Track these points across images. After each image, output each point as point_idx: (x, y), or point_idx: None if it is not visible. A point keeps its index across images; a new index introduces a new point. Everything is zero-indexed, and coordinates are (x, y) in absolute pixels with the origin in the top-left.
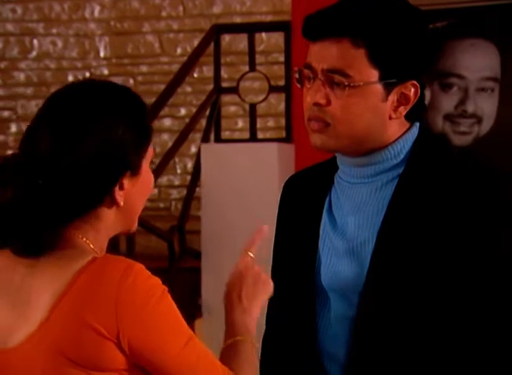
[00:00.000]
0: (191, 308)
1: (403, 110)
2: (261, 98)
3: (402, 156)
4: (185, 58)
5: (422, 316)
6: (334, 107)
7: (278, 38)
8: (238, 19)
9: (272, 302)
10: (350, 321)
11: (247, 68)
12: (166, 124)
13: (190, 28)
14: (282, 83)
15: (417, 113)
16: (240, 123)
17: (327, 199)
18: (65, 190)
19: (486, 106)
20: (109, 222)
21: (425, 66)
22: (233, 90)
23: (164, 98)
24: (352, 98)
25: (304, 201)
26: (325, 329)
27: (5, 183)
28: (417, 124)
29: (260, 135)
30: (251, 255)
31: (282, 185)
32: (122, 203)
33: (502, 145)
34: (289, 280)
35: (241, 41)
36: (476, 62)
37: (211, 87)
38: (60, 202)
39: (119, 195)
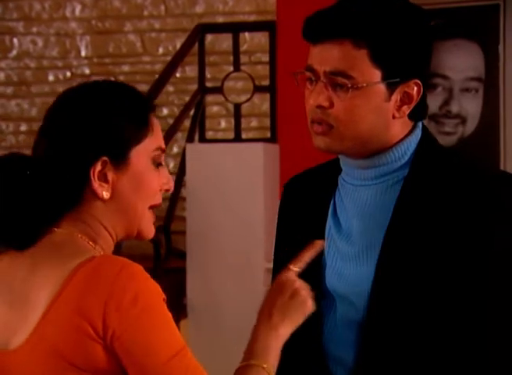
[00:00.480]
0: (176, 308)
1: (406, 109)
2: (244, 97)
3: (406, 158)
4: (167, 57)
5: (431, 319)
6: (337, 109)
7: (261, 38)
8: (221, 19)
9: None
10: (357, 325)
11: (229, 68)
12: None
13: (172, 27)
14: (265, 82)
15: (420, 112)
16: (223, 123)
17: (331, 202)
18: (47, 179)
19: (470, 106)
20: (101, 217)
21: (427, 64)
22: (218, 90)
23: (149, 97)
24: (355, 100)
25: (307, 204)
26: (331, 332)
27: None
28: (420, 124)
29: (243, 135)
30: (296, 269)
31: (283, 186)
32: (105, 196)
33: (486, 145)
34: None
35: (223, 41)
36: (460, 62)
37: (193, 86)
38: (43, 192)
39: (101, 187)
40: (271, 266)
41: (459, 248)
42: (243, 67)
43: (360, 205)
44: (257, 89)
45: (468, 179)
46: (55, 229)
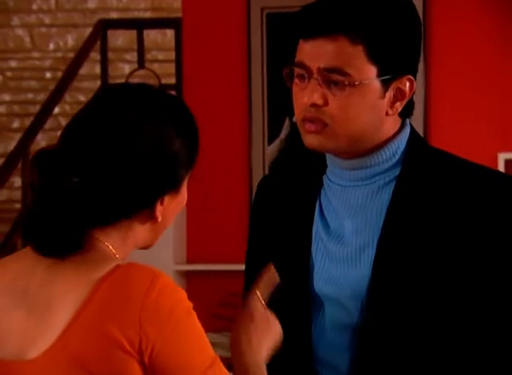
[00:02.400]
0: None
1: (399, 106)
2: None
3: (397, 157)
4: (58, 53)
5: (429, 320)
6: (332, 107)
7: (156, 35)
8: (114, 15)
9: None
10: (349, 328)
11: (124, 65)
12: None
13: (62, 23)
14: (168, 81)
15: (408, 108)
16: None
17: (317, 202)
18: (104, 193)
19: None
20: (140, 235)
21: (418, 59)
22: None
23: (55, 96)
24: (351, 97)
25: (288, 205)
26: (319, 336)
27: (45, 177)
28: (408, 121)
29: None
30: (259, 295)
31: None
32: (160, 219)
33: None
34: (278, 287)
35: (118, 38)
36: None
37: (88, 84)
38: (95, 205)
39: (159, 211)
40: (179, 268)
41: (457, 247)
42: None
43: (351, 206)
44: (163, 87)
45: (462, 177)
46: (88, 233)
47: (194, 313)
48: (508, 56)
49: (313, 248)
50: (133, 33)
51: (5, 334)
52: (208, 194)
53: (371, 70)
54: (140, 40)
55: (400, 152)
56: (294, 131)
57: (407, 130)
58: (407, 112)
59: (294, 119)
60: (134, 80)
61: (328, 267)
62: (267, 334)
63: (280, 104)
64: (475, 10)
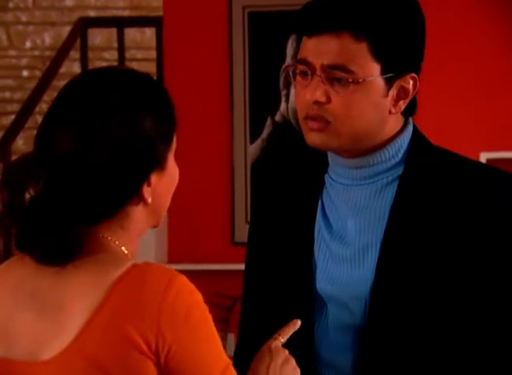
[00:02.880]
0: None
1: (402, 104)
2: None
3: (400, 155)
4: (35, 52)
5: (432, 322)
6: (335, 104)
7: (135, 34)
8: (92, 14)
9: (254, 309)
10: (352, 329)
11: (102, 63)
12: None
13: (40, 21)
14: None
15: (411, 107)
16: None
17: (319, 201)
18: (91, 188)
19: None
20: (138, 221)
21: (422, 57)
22: None
23: (36, 95)
24: (354, 95)
25: (290, 203)
26: (322, 336)
27: (24, 184)
28: (411, 120)
29: None
30: (282, 340)
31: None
32: (150, 200)
33: None
34: (280, 286)
35: (96, 36)
36: None
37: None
38: (85, 202)
39: (147, 192)
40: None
41: (463, 246)
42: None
43: (354, 206)
44: None
45: (465, 176)
46: (89, 233)
47: (210, 316)
48: (495, 56)
49: (315, 248)
50: (112, 31)
51: (14, 335)
52: (189, 194)
53: (375, 68)
54: (121, 38)
55: (402, 151)
56: (276, 130)
57: (410, 128)
58: (409, 111)
59: (278, 119)
60: None
61: (331, 267)
62: (285, 373)
63: (262, 103)
64: (465, 6)
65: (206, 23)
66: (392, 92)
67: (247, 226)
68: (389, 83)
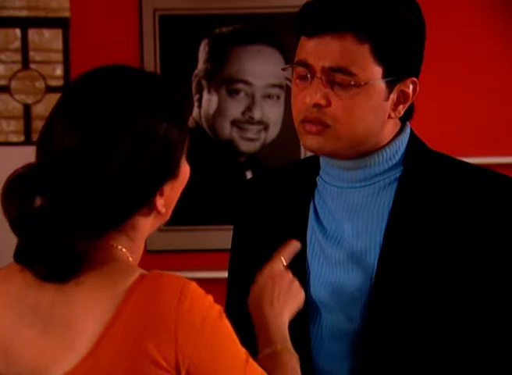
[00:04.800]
0: None
1: (401, 109)
2: (33, 98)
3: (397, 158)
4: None
5: (433, 326)
6: (335, 108)
7: (33, 35)
8: None
9: (245, 321)
10: (350, 335)
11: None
12: None
13: None
14: (56, 83)
15: (409, 111)
16: (11, 126)
17: (311, 204)
18: (102, 200)
19: (273, 113)
20: (146, 228)
21: (422, 61)
22: (5, 89)
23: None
24: (355, 99)
25: (280, 207)
26: (318, 344)
27: (31, 194)
28: (408, 123)
29: (36, 138)
30: (284, 261)
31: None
32: (162, 210)
33: (287, 151)
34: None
35: None
36: (262, 68)
37: None
38: (94, 214)
39: (160, 202)
40: None
41: (464, 249)
42: (14, 66)
43: (350, 208)
44: (50, 90)
45: (464, 180)
46: (97, 243)
47: (224, 315)
48: (493, 59)
49: (308, 252)
50: (8, 32)
51: (15, 352)
52: None
53: (377, 71)
54: (24, 39)
55: (400, 154)
56: (189, 136)
57: (407, 131)
58: (407, 115)
59: (191, 124)
60: (18, 81)
61: (326, 271)
62: (289, 298)
63: None
64: (463, 8)
65: (116, 25)
66: (393, 96)
67: (160, 234)
68: (391, 86)
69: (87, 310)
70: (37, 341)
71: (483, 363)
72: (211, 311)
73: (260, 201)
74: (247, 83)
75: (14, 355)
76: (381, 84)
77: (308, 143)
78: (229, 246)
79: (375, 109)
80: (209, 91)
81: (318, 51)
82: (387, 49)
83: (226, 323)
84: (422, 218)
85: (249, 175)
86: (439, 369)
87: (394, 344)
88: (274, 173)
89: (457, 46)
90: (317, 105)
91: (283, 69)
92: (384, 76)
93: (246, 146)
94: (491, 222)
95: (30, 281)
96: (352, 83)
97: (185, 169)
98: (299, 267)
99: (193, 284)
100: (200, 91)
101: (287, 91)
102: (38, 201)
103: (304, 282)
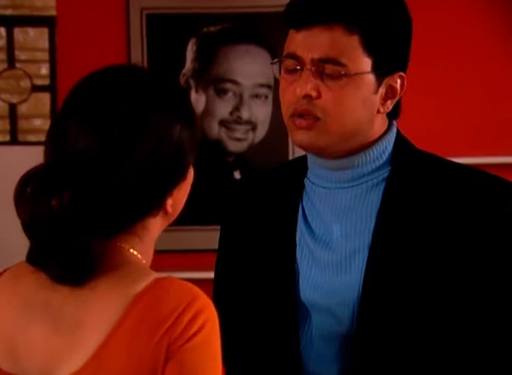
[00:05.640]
0: None
1: (390, 104)
2: (18, 97)
3: (384, 158)
4: None
5: (423, 327)
6: (325, 99)
7: (17, 34)
8: None
9: (233, 322)
10: (339, 338)
11: None
12: None
13: None
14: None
15: (395, 109)
16: None
17: (300, 206)
18: (115, 203)
19: (260, 113)
20: (155, 229)
21: (408, 56)
22: None
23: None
24: (345, 90)
25: (268, 210)
26: (308, 347)
27: (45, 194)
28: (395, 123)
29: (22, 138)
30: None
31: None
32: (170, 210)
33: (275, 151)
34: (261, 295)
35: None
36: (250, 68)
37: None
38: (107, 216)
39: (169, 203)
40: None
41: (453, 249)
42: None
43: (338, 210)
44: (36, 89)
45: (451, 179)
46: (108, 245)
47: (219, 343)
48: (488, 56)
49: (297, 255)
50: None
51: (24, 350)
52: None
53: (366, 62)
54: (10, 38)
55: (387, 153)
56: None
57: (394, 130)
58: (394, 113)
59: None
60: (3, 80)
61: (315, 274)
62: None
63: None
64: (460, 9)
65: (103, 24)
66: (382, 90)
67: None
68: (379, 80)
69: (97, 311)
70: (47, 339)
71: (472, 364)
72: (213, 331)
73: (248, 203)
74: (234, 82)
75: (22, 353)
76: (370, 77)
77: (298, 138)
78: (215, 246)
79: (364, 102)
80: (197, 91)
81: (308, 42)
82: (376, 40)
83: (219, 352)
84: (411, 218)
85: (237, 175)
86: (429, 370)
87: (384, 346)
88: (262, 175)
89: (451, 43)
90: (307, 97)
91: (272, 64)
92: (373, 68)
93: (234, 146)
94: (479, 221)
95: (42, 282)
96: (342, 73)
97: (191, 172)
98: (288, 269)
99: (204, 298)
100: (187, 91)
101: (275, 90)
102: (53, 202)
103: (293, 284)
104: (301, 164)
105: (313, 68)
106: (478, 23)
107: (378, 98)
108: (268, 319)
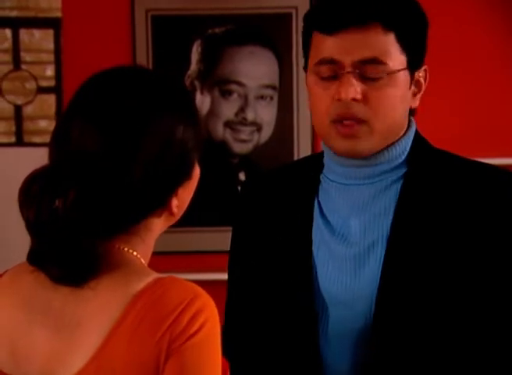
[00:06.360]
0: None
1: (418, 99)
2: (23, 99)
3: (403, 156)
4: None
5: (443, 321)
6: (371, 101)
7: (23, 36)
8: None
9: (249, 322)
10: (358, 332)
11: None
12: None
13: None
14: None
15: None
16: (2, 127)
17: (315, 202)
18: (119, 203)
19: (266, 114)
20: (157, 229)
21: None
22: None
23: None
24: (387, 89)
25: (283, 205)
26: (326, 341)
27: (50, 195)
28: (413, 120)
29: (27, 139)
30: None
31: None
32: (176, 210)
33: (280, 152)
34: (278, 294)
35: None
36: (255, 69)
37: None
38: (111, 217)
39: (175, 203)
40: None
41: (468, 244)
42: (4, 67)
43: (357, 205)
44: (41, 90)
45: (468, 176)
46: (109, 245)
47: (219, 343)
48: (491, 58)
49: (314, 250)
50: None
51: (25, 352)
52: None
53: (402, 59)
54: (16, 40)
55: (407, 151)
56: None
57: (414, 128)
58: (412, 110)
59: None
60: (8, 82)
61: (334, 268)
62: None
63: None
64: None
65: (108, 26)
66: (413, 85)
67: None
68: (412, 75)
69: (97, 310)
70: (48, 342)
71: (490, 360)
72: (214, 330)
73: (259, 203)
74: (239, 84)
75: (23, 355)
76: (406, 73)
77: (343, 147)
78: (221, 248)
79: (402, 98)
80: (202, 92)
81: (345, 46)
82: (409, 37)
83: (218, 351)
84: (428, 213)
85: (242, 176)
86: (448, 365)
87: (402, 340)
88: (271, 174)
89: (451, 43)
90: (354, 100)
91: (306, 73)
92: (408, 64)
93: (239, 147)
94: (497, 217)
95: (42, 282)
96: (384, 72)
97: (197, 171)
98: (305, 264)
99: (205, 297)
100: (192, 92)
101: (280, 91)
102: (57, 203)
103: (311, 279)
104: (315, 161)
105: (356, 70)
106: (478, 24)
107: (411, 93)
108: (287, 314)
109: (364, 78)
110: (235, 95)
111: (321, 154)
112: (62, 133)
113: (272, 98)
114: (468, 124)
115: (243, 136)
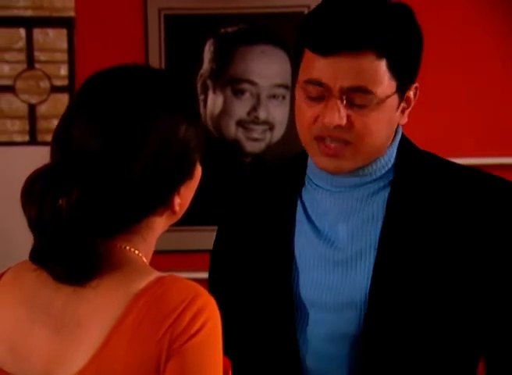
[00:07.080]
0: None
1: (407, 114)
2: (37, 98)
3: (390, 164)
4: None
5: (432, 326)
6: (356, 126)
7: (38, 35)
8: None
9: (231, 322)
10: (346, 338)
11: (5, 66)
12: None
13: None
14: (62, 83)
15: None
16: (16, 125)
17: (298, 202)
18: (121, 202)
19: (278, 113)
20: (159, 228)
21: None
22: (9, 88)
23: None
24: (373, 115)
25: (264, 208)
26: (307, 346)
27: (52, 194)
28: (400, 126)
29: (41, 138)
30: None
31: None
32: (178, 209)
33: (293, 151)
34: (257, 295)
35: None
36: (267, 68)
37: None
38: (113, 215)
39: (177, 202)
40: None
41: (457, 250)
42: (18, 66)
43: (344, 210)
44: (55, 89)
45: (456, 180)
46: (111, 244)
47: (220, 342)
48: (486, 59)
49: (296, 250)
50: (12, 32)
51: (25, 351)
52: None
53: (392, 85)
54: (29, 39)
55: (393, 159)
56: None
57: (399, 135)
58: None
59: None
60: (22, 81)
61: (320, 273)
62: None
63: None
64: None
65: (121, 25)
66: (403, 104)
67: (164, 233)
68: (401, 96)
69: (99, 309)
70: (48, 341)
71: (479, 365)
72: (215, 330)
73: (245, 204)
74: (252, 83)
75: (23, 354)
76: (395, 97)
77: (324, 164)
78: None
79: (389, 121)
80: (214, 91)
81: (335, 70)
82: (401, 62)
83: (220, 350)
84: (417, 219)
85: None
86: (436, 370)
87: (391, 346)
88: (261, 175)
89: (451, 43)
90: (338, 126)
91: (294, 87)
92: (397, 88)
93: (251, 146)
94: (484, 221)
95: (44, 281)
96: (372, 101)
97: (198, 170)
98: (285, 266)
99: (206, 297)
100: (205, 91)
101: (292, 91)
102: (60, 202)
103: (291, 284)
104: (300, 161)
105: (343, 96)
106: (478, 24)
107: (399, 112)
108: (265, 317)
109: (351, 104)
110: (247, 94)
111: (305, 153)
112: (63, 132)
113: (284, 97)
114: (468, 124)
115: (256, 135)
